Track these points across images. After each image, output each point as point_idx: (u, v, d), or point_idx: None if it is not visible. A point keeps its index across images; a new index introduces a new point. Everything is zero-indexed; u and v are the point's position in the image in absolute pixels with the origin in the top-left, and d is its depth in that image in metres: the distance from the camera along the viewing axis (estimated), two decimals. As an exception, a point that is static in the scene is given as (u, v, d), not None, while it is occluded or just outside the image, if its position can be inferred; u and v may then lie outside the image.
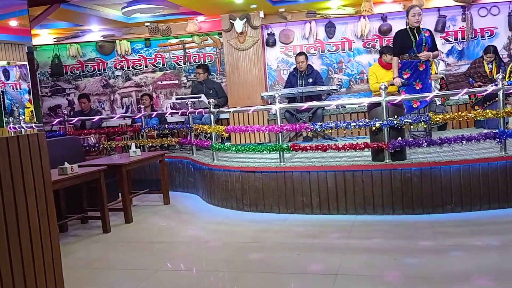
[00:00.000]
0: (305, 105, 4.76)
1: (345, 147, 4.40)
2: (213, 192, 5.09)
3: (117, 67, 7.84)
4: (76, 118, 6.74)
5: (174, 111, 6.57)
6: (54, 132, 6.77)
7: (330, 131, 5.40)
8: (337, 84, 6.93)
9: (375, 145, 4.27)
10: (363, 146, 4.33)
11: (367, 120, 4.31)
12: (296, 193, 4.49)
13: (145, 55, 7.80)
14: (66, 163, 4.07)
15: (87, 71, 7.99)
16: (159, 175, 5.51)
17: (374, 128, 4.27)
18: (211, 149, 5.22)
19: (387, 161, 4.24)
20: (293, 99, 6.37)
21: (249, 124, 6.55)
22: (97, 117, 6.64)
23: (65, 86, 8.10)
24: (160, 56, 7.74)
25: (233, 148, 4.96)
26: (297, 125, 4.66)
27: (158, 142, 6.18)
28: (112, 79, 7.96)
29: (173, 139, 6.12)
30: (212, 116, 5.23)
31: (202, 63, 7.50)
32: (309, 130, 4.57)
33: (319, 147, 4.48)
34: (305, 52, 6.77)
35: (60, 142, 5.26)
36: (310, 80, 6.53)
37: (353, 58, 7.02)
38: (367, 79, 6.72)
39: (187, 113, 5.85)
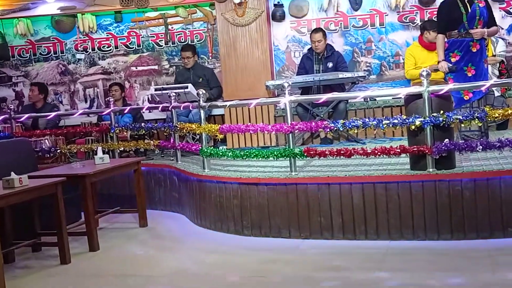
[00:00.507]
0: (324, 97, 4.78)
1: (376, 152, 4.40)
2: (204, 211, 5.10)
3: (79, 48, 7.88)
4: (26, 115, 6.77)
5: (153, 105, 6.59)
6: (-3, 133, 6.81)
7: (355, 131, 5.40)
8: (364, 70, 6.94)
9: (415, 149, 4.27)
10: (399, 150, 4.33)
11: (404, 117, 4.30)
12: (312, 212, 4.49)
13: (115, 33, 7.84)
14: (12, 173, 4.08)
15: (40, 54, 8.02)
16: (134, 188, 5.52)
17: (413, 127, 4.27)
18: (200, 154, 5.23)
19: (431, 170, 4.24)
20: (307, 89, 6.38)
21: (250, 122, 6.55)
22: (53, 114, 6.67)
23: (12, 74, 8.14)
24: (134, 34, 7.77)
25: (230, 154, 4.97)
26: (313, 124, 4.66)
27: (132, 146, 6.20)
28: (73, 64, 8.00)
29: (152, 141, 6.14)
30: (202, 112, 5.24)
31: (189, 43, 7.52)
32: (328, 129, 4.58)
33: (342, 152, 4.49)
34: (323, 29, 6.78)
35: (5, 146, 5.26)
36: (330, 65, 6.55)
37: (386, 36, 7.03)
38: (404, 63, 6.73)
39: (169, 108, 5.87)
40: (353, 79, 6.22)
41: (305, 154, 4.62)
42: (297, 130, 4.72)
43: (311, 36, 6.59)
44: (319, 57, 6.58)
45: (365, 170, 4.52)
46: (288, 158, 4.68)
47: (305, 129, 4.69)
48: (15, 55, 8.02)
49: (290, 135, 4.67)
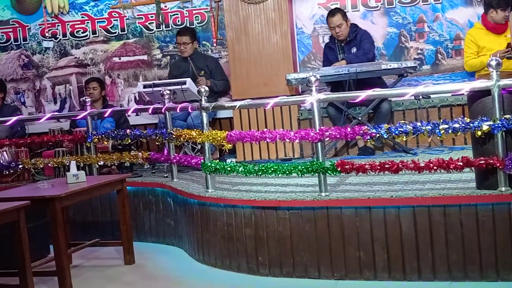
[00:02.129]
0: (363, 94, 4.76)
1: (431, 165, 4.38)
2: (207, 244, 5.10)
3: (46, 34, 7.96)
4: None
5: (141, 106, 6.63)
6: None
7: (404, 139, 5.37)
8: (415, 59, 6.93)
9: (482, 162, 4.24)
10: (461, 164, 4.31)
11: (467, 120, 4.29)
12: (348, 244, 4.49)
13: (92, 14, 7.92)
14: None
15: (-3, 41, 8.14)
16: (117, 215, 5.53)
17: (479, 133, 4.25)
18: (203, 170, 5.24)
19: (503, 189, 4.21)
20: (339, 84, 6.38)
21: (266, 127, 6.53)
22: (13, 119, 6.71)
23: (-39, 67, 8.25)
24: (117, 15, 7.84)
25: (241, 169, 4.97)
26: (349, 129, 4.66)
27: (115, 160, 6.24)
28: (38, 55, 8.08)
29: (140, 153, 6.17)
30: (204, 114, 5.26)
31: (187, 26, 7.57)
32: (368, 137, 4.57)
33: (387, 166, 4.47)
34: (341, 8, 6.79)
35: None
36: (354, 50, 6.59)
37: (443, 15, 7.03)
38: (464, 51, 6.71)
39: (162, 111, 5.90)
40: (400, 71, 6.22)
41: (339, 169, 4.60)
42: (328, 138, 4.71)
43: (328, 21, 6.66)
44: (342, 44, 6.63)
45: (417, 190, 4.50)
46: (317, 174, 4.67)
47: (338, 136, 4.68)
48: (-35, 44, 8.13)
49: (319, 144, 4.66)
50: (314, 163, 4.65)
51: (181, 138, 5.65)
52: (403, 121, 4.49)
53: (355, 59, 6.44)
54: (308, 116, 6.52)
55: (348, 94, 5.69)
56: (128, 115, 7.02)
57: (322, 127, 4.66)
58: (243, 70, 6.84)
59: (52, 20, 7.93)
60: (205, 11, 7.59)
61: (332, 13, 6.63)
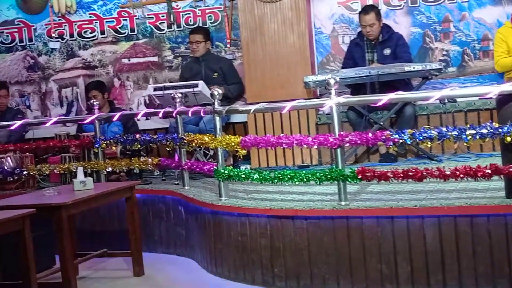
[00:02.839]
0: (385, 98, 4.74)
1: (457, 173, 4.35)
2: (220, 255, 5.10)
3: (53, 35, 8.01)
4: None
5: (151, 110, 6.63)
6: None
7: (428, 145, 5.34)
8: (440, 61, 6.90)
9: (511, 169, 4.21)
10: (489, 171, 4.27)
11: (496, 125, 4.25)
12: (369, 256, 4.47)
13: (100, 13, 7.95)
14: None
15: (1, 42, 8.21)
16: (126, 223, 5.54)
17: (508, 139, 4.21)
18: (216, 177, 5.25)
19: (534, 198, 4.18)
20: (360, 87, 6.37)
21: (282, 132, 6.55)
22: (17, 123, 6.76)
23: (-36, 69, 8.32)
24: (126, 14, 7.87)
25: (256, 176, 4.97)
26: (370, 134, 4.64)
27: (124, 166, 6.26)
28: (44, 56, 8.13)
29: (150, 159, 6.18)
30: (217, 118, 5.27)
31: (200, 26, 7.59)
32: (391, 143, 4.55)
33: (410, 173, 4.45)
34: (376, 6, 6.77)
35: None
36: (387, 51, 6.57)
37: (470, 14, 6.99)
38: (494, 50, 6.67)
39: (173, 114, 5.91)
40: (425, 73, 6.20)
41: (359, 177, 4.58)
42: (348, 144, 4.70)
43: (360, 18, 6.63)
44: (372, 43, 6.60)
45: (442, 199, 4.48)
46: (336, 182, 4.66)
47: (359, 142, 4.66)
48: (-32, 44, 8.20)
49: (339, 150, 4.66)
50: (333, 170, 4.65)
51: (193, 144, 5.66)
52: (427, 126, 4.46)
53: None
54: (326, 120, 6.52)
55: (369, 97, 5.68)
56: (138, 119, 7.05)
57: (341, 132, 4.65)
58: (258, 72, 6.85)
59: (59, 20, 7.97)
60: (218, 11, 7.61)
61: (365, 10, 6.60)
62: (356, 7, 7.13)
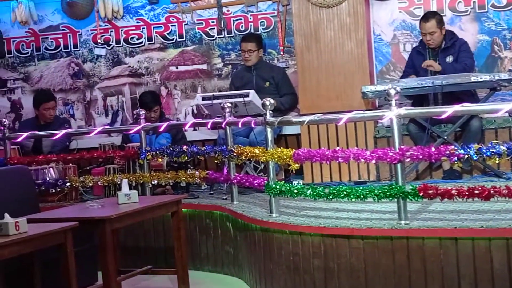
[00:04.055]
0: (449, 110, 4.71)
1: (527, 192, 4.30)
2: (271, 275, 5.10)
3: (99, 41, 8.14)
4: (25, 134, 6.97)
5: (200, 120, 6.66)
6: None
7: (496, 161, 5.28)
8: (509, 71, 6.84)
9: None
10: None
11: None
12: (431, 279, 4.42)
13: (148, 18, 8.06)
14: (6, 215, 4.12)
15: (46, 48, 8.37)
16: (171, 239, 5.57)
17: None
18: (266, 192, 5.26)
19: None
20: (422, 98, 6.35)
21: (338, 145, 6.52)
22: (61, 132, 6.86)
23: (7, 76, 8.50)
24: (175, 20, 7.97)
25: (309, 192, 4.97)
26: (433, 149, 4.60)
27: (170, 179, 6.31)
28: (89, 63, 8.26)
29: (197, 172, 6.23)
30: (269, 130, 5.27)
31: (252, 32, 7.63)
32: (455, 158, 4.52)
33: (476, 191, 4.40)
34: (437, 12, 6.73)
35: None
36: (450, 59, 6.52)
37: (543, 21, 6.90)
38: None
39: (222, 125, 5.95)
40: (493, 84, 6.13)
41: (421, 194, 4.55)
42: (409, 159, 4.67)
43: (420, 26, 6.60)
44: (435, 51, 6.57)
45: (511, 220, 4.41)
46: (396, 200, 4.64)
47: (420, 157, 4.62)
48: (11, 50, 8.37)
49: (399, 165, 4.63)
50: (393, 187, 4.62)
51: (243, 156, 5.67)
52: (495, 141, 4.42)
53: (452, 71, 6.36)
54: (386, 133, 6.49)
55: (433, 109, 5.66)
56: (185, 130, 7.07)
57: (402, 146, 4.62)
58: (312, 81, 6.84)
59: (105, 25, 8.10)
60: (271, 16, 7.63)
61: (425, 17, 6.56)
62: (418, 12, 7.09)
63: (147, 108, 7.07)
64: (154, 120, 7.05)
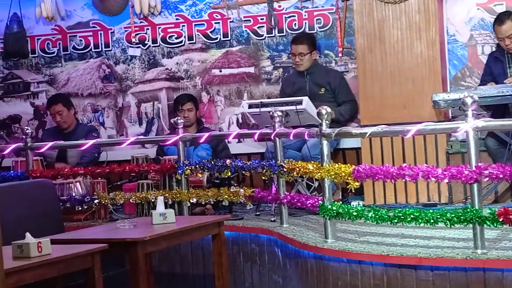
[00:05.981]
0: (535, 122, 4.62)
1: None
2: (326, 309, 5.09)
3: (133, 40, 8.19)
4: (49, 144, 7.05)
5: (245, 131, 6.65)
6: (5, 171, 7.14)
7: None
8: None
9: None
10: None
11: None
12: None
13: (188, 15, 8.07)
14: (27, 235, 4.21)
15: (74, 48, 8.47)
16: (211, 266, 5.60)
17: None
18: (321, 214, 5.24)
19: None
20: (503, 108, 6.33)
21: (404, 161, 6.41)
22: (89, 142, 6.90)
23: (30, 78, 8.62)
24: (219, 17, 7.96)
25: (371, 215, 4.96)
26: (516, 167, 4.54)
27: (211, 197, 6.32)
28: (122, 65, 8.32)
29: (242, 190, 6.23)
30: (325, 142, 5.25)
31: (304, 32, 7.59)
32: (542, 178, 4.42)
33: None
34: None
35: (16, 191, 5.48)
36: None
37: None
38: None
39: (271, 137, 5.93)
40: None
41: (501, 219, 4.48)
42: (488, 178, 4.60)
43: (495, 29, 6.56)
44: None
45: None
46: (471, 225, 4.59)
47: (501, 176, 4.55)
48: (36, 49, 8.48)
49: (475, 185, 4.59)
50: (468, 210, 4.58)
51: (294, 173, 5.67)
52: None
53: None
54: (460, 149, 6.48)
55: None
56: (229, 142, 7.06)
57: (479, 164, 4.56)
58: (375, 88, 6.82)
59: (141, 22, 8.18)
60: (329, 13, 7.62)
61: (499, 20, 6.49)
62: (500, 9, 6.98)
63: (178, 105, 7.28)
64: (187, 123, 7.07)
